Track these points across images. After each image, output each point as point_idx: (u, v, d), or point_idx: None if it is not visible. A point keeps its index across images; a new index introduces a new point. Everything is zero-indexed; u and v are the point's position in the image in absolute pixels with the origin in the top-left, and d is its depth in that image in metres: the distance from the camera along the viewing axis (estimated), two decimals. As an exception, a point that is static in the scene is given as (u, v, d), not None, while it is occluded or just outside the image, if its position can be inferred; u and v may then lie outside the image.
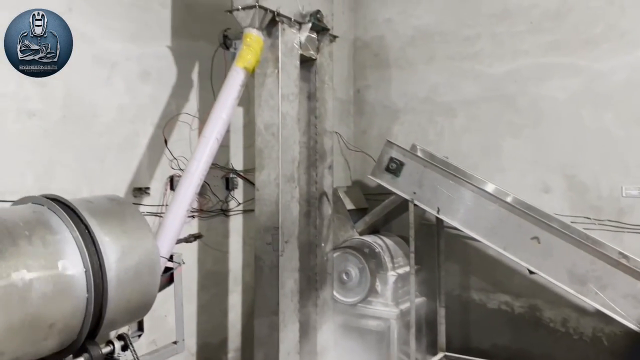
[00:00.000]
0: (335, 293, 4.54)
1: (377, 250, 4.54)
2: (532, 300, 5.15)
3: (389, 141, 4.48)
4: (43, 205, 2.67)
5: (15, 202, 2.81)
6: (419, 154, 4.89)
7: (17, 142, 3.30)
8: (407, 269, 4.61)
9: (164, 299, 4.21)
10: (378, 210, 4.79)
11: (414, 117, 5.79)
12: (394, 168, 4.37)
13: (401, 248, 4.75)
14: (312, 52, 3.96)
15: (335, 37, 4.25)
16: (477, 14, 5.41)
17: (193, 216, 4.38)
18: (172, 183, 4.18)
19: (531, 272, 4.00)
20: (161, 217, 4.10)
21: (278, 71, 3.60)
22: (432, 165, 4.30)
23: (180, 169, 4.26)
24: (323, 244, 4.02)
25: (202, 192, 4.43)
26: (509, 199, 4.32)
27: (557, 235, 3.83)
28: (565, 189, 4.98)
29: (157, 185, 4.13)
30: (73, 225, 2.58)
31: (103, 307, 2.58)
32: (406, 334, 4.48)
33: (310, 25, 3.80)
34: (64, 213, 2.61)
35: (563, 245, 3.80)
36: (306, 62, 3.99)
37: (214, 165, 4.43)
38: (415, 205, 4.27)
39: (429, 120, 5.70)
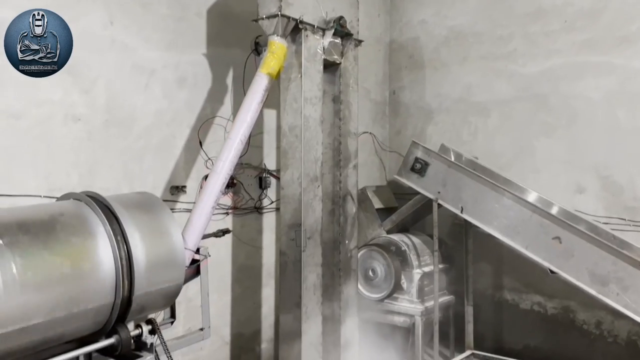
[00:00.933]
0: (361, 289, 4.69)
1: (403, 248, 4.65)
2: (565, 302, 5.10)
3: (414, 142, 4.59)
4: (81, 201, 2.99)
5: (59, 198, 3.15)
6: (449, 154, 4.96)
7: (63, 144, 3.65)
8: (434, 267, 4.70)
9: (200, 290, 4.49)
10: (404, 209, 4.90)
11: (448, 118, 5.84)
12: (419, 168, 4.47)
13: (429, 247, 4.83)
14: (336, 56, 4.12)
15: (360, 41, 4.39)
16: (510, 13, 5.40)
17: (227, 213, 4.65)
18: (207, 182, 4.45)
19: (552, 272, 4.00)
20: (196, 213, 4.40)
21: (301, 76, 3.79)
22: (456, 165, 4.37)
23: (214, 169, 4.53)
24: (347, 241, 4.18)
25: (236, 190, 4.69)
26: (532, 199, 4.33)
27: (578, 236, 3.83)
28: (599, 190, 4.91)
29: (193, 183, 4.42)
30: (105, 219, 2.87)
31: (131, 293, 2.86)
32: (432, 330, 4.56)
33: (333, 31, 3.97)
34: (98, 208, 2.91)
35: (584, 246, 3.79)
36: (331, 67, 4.16)
37: (247, 165, 4.72)
38: (439, 204, 4.36)
39: (463, 120, 5.73)
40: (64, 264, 2.66)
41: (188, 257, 3.43)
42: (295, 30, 3.80)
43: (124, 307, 2.88)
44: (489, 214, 4.19)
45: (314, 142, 3.89)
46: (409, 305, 4.59)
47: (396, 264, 4.54)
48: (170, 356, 2.97)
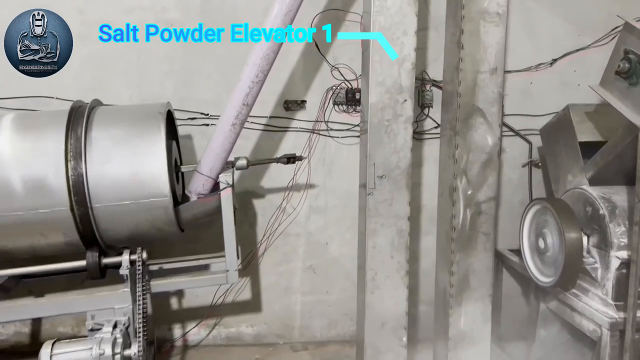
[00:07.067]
0: (529, 263, 3.04)
1: (600, 212, 2.70)
2: None
3: (627, 22, 2.48)
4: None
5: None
6: None
7: (156, 52, 3.48)
8: (669, 252, 2.62)
9: (325, 226, 3.87)
10: (610, 144, 2.77)
11: None
12: (627, 69, 2.42)
13: (672, 215, 2.68)
14: None
15: None
16: None
17: (363, 136, 3.69)
18: (335, 95, 3.60)
19: None
20: (318, 133, 3.66)
21: None
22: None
23: (345, 79, 3.61)
24: (471, 191, 2.67)
25: (379, 108, 3.64)
26: None
27: None
28: None
29: (314, 97, 3.66)
30: (67, 133, 2.63)
31: (90, 215, 2.58)
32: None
33: None
34: (66, 120, 2.69)
35: None
36: None
37: (395, 75, 3.56)
38: (648, 140, 2.28)
39: None
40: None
41: (203, 182, 2.87)
42: None
43: (88, 228, 2.61)
44: None
45: (397, 32, 2.55)
46: (598, 306, 2.70)
47: (572, 236, 2.68)
48: (139, 288, 2.58)
